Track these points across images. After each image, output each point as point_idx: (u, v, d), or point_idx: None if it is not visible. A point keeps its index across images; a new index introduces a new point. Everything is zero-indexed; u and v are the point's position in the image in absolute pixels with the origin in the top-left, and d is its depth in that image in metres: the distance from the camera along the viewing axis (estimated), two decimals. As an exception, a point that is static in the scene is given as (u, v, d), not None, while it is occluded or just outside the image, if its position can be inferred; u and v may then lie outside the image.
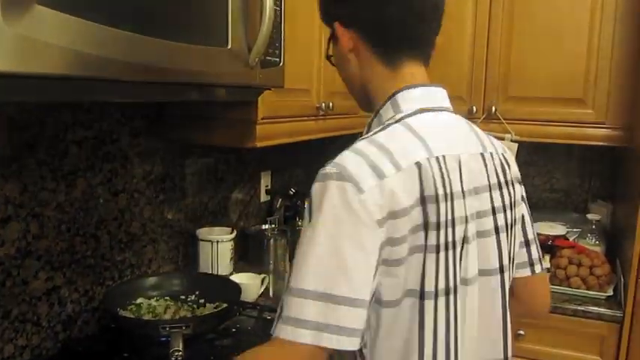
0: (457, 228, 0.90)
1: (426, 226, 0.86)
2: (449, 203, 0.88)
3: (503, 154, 1.04)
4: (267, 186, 2.33)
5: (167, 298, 1.58)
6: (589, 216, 2.19)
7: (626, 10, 2.01)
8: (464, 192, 0.92)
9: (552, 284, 1.96)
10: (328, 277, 0.80)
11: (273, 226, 2.07)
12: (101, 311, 1.52)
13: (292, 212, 2.29)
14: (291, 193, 2.28)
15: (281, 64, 1.42)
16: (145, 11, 0.95)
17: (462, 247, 0.92)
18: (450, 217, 0.88)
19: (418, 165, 0.86)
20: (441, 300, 0.89)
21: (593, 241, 2.12)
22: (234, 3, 1.19)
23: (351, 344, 0.81)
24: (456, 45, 2.18)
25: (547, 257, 1.98)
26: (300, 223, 2.18)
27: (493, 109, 2.17)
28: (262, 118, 1.53)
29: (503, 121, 2.16)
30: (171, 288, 1.62)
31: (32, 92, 0.82)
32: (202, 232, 1.88)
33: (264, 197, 2.32)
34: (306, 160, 2.66)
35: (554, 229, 2.09)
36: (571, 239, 2.10)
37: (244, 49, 1.25)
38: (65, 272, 1.42)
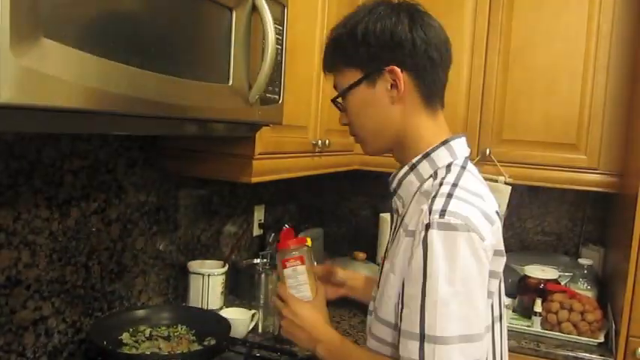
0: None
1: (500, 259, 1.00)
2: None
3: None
4: (260, 220, 2.33)
5: (155, 331, 1.56)
6: (581, 260, 2.20)
7: (618, 61, 2.06)
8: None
9: (544, 329, 1.95)
10: (467, 320, 0.90)
11: (265, 260, 2.06)
12: (88, 343, 1.49)
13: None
14: (285, 228, 2.27)
15: (280, 101, 1.43)
16: (149, 47, 0.97)
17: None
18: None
19: (497, 212, 1.00)
20: (498, 324, 1.05)
21: (585, 285, 2.12)
22: (237, 40, 1.21)
23: None
24: (452, 88, 2.20)
25: (538, 301, 1.97)
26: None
27: (487, 151, 2.19)
28: (259, 154, 1.54)
29: (497, 164, 2.18)
30: (160, 321, 1.60)
31: (34, 124, 0.82)
32: (194, 265, 1.87)
33: (257, 231, 2.31)
34: (300, 196, 2.67)
35: (546, 272, 2.09)
36: (562, 283, 2.10)
37: (245, 86, 1.26)
38: (54, 302, 1.40)
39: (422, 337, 0.90)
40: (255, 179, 1.56)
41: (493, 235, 0.95)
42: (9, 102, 0.69)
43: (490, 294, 0.99)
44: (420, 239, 0.92)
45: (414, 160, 1.05)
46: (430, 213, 0.92)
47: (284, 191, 2.50)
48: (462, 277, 0.89)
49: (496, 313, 1.03)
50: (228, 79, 1.20)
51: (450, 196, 0.94)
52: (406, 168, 1.06)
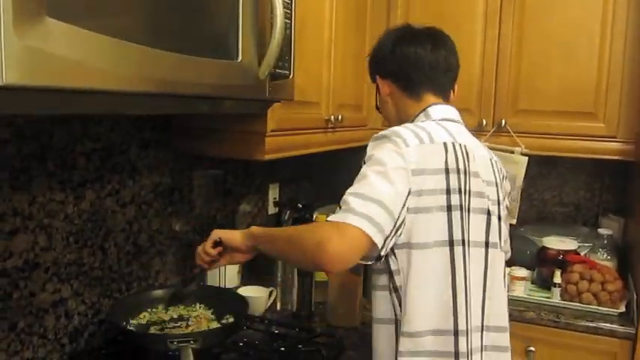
0: (473, 199, 1.22)
1: (447, 190, 1.18)
2: (468, 177, 1.22)
3: (497, 161, 1.37)
4: (275, 198, 2.32)
5: (174, 310, 1.57)
6: (600, 230, 2.17)
7: (636, 26, 2.01)
8: (481, 176, 1.25)
9: (563, 300, 1.94)
10: (375, 187, 1.12)
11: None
12: (108, 324, 1.51)
13: (300, 224, 2.27)
14: (300, 206, 2.27)
15: (291, 77, 1.42)
16: (156, 24, 0.95)
17: (478, 215, 1.24)
18: (468, 187, 1.21)
19: (445, 144, 1.22)
20: (460, 249, 1.20)
21: (605, 256, 2.10)
22: (245, 16, 1.19)
23: (374, 232, 1.09)
24: (466, 58, 2.16)
25: (558, 272, 1.95)
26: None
27: (503, 122, 2.16)
28: (271, 131, 1.53)
29: (513, 135, 2.15)
30: (178, 301, 1.60)
31: (42, 105, 0.81)
32: (210, 245, 1.87)
33: (272, 209, 2.31)
34: (314, 173, 2.66)
35: (565, 243, 2.07)
36: (582, 254, 2.08)
37: (254, 62, 1.25)
38: (72, 284, 1.41)
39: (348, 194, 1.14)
40: (268, 156, 1.55)
41: (419, 151, 1.17)
42: (15, 83, 0.69)
43: (445, 208, 1.18)
44: None
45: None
46: None
47: (298, 169, 2.49)
48: (380, 161, 1.15)
49: (457, 236, 1.18)
50: (237, 55, 1.19)
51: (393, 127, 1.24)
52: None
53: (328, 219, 1.12)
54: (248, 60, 1.22)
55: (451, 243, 1.18)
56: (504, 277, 1.34)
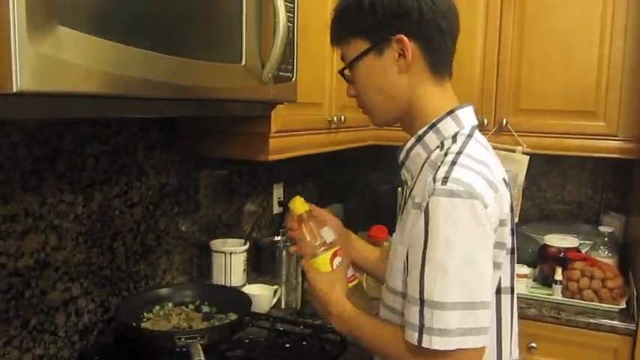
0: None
1: (512, 231, 1.02)
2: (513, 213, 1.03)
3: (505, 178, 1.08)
4: (279, 198, 2.35)
5: (181, 308, 1.60)
6: (601, 228, 2.19)
7: (636, 24, 2.02)
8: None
9: (564, 297, 1.96)
10: (468, 287, 0.90)
11: (285, 237, 2.09)
12: (117, 322, 1.54)
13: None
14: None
15: (294, 79, 1.44)
16: (162, 29, 0.98)
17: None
18: (513, 226, 1.04)
19: (505, 181, 1.01)
20: (508, 297, 1.04)
21: (606, 253, 2.12)
22: (248, 20, 1.22)
23: (485, 340, 0.93)
24: (467, 58, 2.20)
25: (559, 270, 1.98)
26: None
27: (504, 121, 2.18)
28: (275, 132, 1.56)
29: (515, 134, 2.17)
30: (184, 299, 1.64)
31: (53, 110, 0.84)
32: (216, 244, 1.90)
33: (276, 209, 2.34)
34: (318, 173, 2.69)
35: (566, 241, 2.09)
36: (583, 251, 2.10)
37: (258, 65, 1.27)
38: (82, 283, 1.44)
39: (422, 302, 0.91)
40: (272, 157, 1.58)
41: (496, 203, 0.94)
42: (29, 89, 0.72)
43: (497, 265, 0.98)
44: (423, 208, 0.93)
45: (420, 132, 1.05)
46: (434, 182, 0.93)
47: (302, 169, 2.52)
48: (462, 243, 0.89)
49: (505, 284, 1.02)
50: (241, 58, 1.21)
51: (453, 163, 0.94)
52: (413, 139, 1.06)
53: (411, 339, 0.93)
54: (252, 63, 1.25)
55: (499, 291, 1.02)
56: None
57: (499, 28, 2.19)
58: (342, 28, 1.08)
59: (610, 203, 2.45)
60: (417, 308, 0.92)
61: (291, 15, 1.39)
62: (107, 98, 0.90)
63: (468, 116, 1.05)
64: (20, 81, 0.70)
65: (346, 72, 1.11)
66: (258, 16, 1.26)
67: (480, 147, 1.02)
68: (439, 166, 0.95)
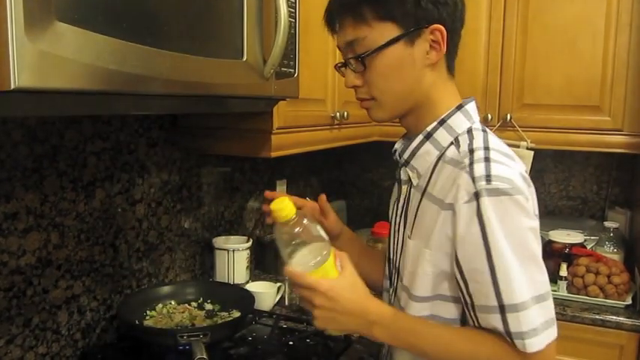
0: None
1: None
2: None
3: None
4: (282, 195, 2.34)
5: (184, 306, 1.59)
6: (607, 223, 2.17)
7: (642, 17, 2.00)
8: None
9: (570, 293, 1.95)
10: (535, 280, 0.90)
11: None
12: (119, 319, 1.54)
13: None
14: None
15: (296, 74, 1.43)
16: (162, 25, 0.97)
17: None
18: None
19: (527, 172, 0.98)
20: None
21: (611, 249, 2.10)
22: (249, 15, 1.21)
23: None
24: (471, 53, 2.18)
25: (564, 266, 1.96)
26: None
27: (508, 116, 2.17)
28: (277, 128, 1.55)
29: (519, 129, 2.16)
30: (187, 297, 1.63)
31: (53, 107, 0.84)
32: (219, 241, 1.90)
33: (279, 206, 2.32)
34: (321, 169, 2.68)
35: (572, 236, 2.07)
36: (588, 247, 2.09)
37: (259, 61, 1.26)
38: (84, 281, 1.44)
39: (502, 309, 0.88)
40: (274, 154, 1.57)
41: (531, 196, 0.95)
42: (27, 86, 0.71)
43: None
44: (474, 211, 0.89)
45: (429, 129, 1.01)
46: (474, 181, 0.90)
47: (305, 165, 2.51)
48: (521, 240, 0.89)
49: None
50: (243, 54, 1.20)
51: (487, 160, 0.92)
52: (420, 137, 1.02)
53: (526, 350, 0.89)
54: (253, 59, 1.24)
55: None
56: None
57: (503, 22, 2.17)
58: (368, 9, 0.95)
59: (615, 198, 2.43)
60: (499, 316, 0.89)
61: (293, 10, 1.38)
62: (107, 95, 0.90)
63: (474, 110, 1.03)
64: (18, 78, 0.70)
65: (351, 59, 1.00)
66: (260, 11, 1.25)
67: (499, 140, 1.00)
68: (472, 164, 0.92)
